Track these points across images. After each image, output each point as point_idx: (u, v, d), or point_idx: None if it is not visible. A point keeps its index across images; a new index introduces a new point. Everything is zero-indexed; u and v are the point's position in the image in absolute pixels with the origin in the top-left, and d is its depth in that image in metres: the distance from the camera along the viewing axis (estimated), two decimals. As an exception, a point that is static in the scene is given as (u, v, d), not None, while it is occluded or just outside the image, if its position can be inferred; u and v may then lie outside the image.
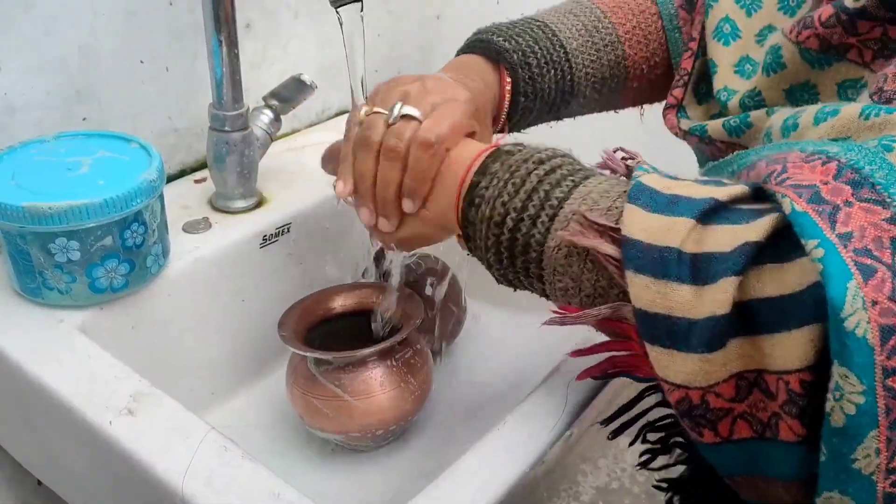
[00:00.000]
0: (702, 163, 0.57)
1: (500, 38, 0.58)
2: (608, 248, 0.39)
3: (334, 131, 0.82)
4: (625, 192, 0.40)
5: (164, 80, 0.67)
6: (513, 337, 0.75)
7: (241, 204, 0.66)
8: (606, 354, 0.43)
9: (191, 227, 0.63)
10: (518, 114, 0.59)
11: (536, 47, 0.59)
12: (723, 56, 0.54)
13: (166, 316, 0.58)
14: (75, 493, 0.55)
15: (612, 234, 0.39)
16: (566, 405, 0.47)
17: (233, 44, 0.60)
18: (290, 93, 0.69)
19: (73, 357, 0.49)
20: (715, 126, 0.51)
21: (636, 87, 0.63)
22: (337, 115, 0.86)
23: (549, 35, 0.60)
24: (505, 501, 0.42)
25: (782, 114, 0.45)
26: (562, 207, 0.41)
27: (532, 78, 0.58)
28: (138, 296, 0.56)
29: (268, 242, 0.65)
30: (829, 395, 0.31)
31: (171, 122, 0.69)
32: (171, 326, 0.59)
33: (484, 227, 0.44)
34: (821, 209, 0.32)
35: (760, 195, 0.37)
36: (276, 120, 0.69)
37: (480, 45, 0.59)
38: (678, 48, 0.61)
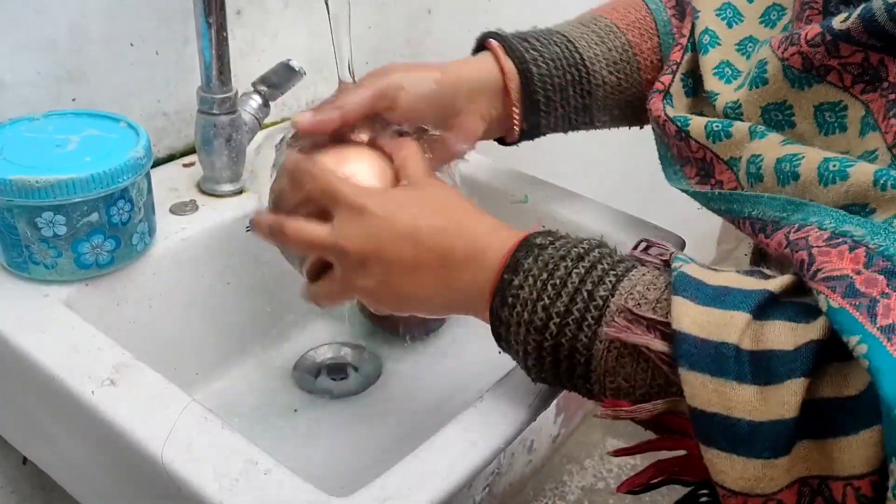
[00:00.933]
0: (662, 155, 0.57)
1: (489, 32, 0.60)
2: (659, 345, 0.37)
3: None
4: (669, 283, 0.39)
5: (154, 64, 0.67)
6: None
7: (228, 187, 0.67)
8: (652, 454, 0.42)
9: (178, 209, 0.63)
10: (538, 85, 0.57)
11: (532, 32, 0.60)
12: (705, 63, 0.54)
13: (151, 294, 0.59)
14: (59, 467, 0.56)
15: (662, 328, 0.38)
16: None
17: (222, 27, 0.61)
18: (279, 78, 0.70)
19: (57, 329, 0.50)
20: (697, 124, 0.51)
21: (650, 78, 0.61)
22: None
23: (547, 31, 0.61)
24: (482, 473, 0.43)
25: (774, 146, 0.44)
26: (608, 306, 0.39)
27: (535, 49, 0.58)
28: (123, 273, 0.56)
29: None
30: (889, 495, 0.30)
31: (160, 106, 0.69)
32: (155, 304, 0.59)
33: (522, 330, 0.42)
34: (858, 303, 0.32)
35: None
36: (265, 105, 0.70)
37: (477, 43, 0.61)
38: (669, 50, 0.62)
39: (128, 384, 0.46)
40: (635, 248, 0.45)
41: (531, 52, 0.58)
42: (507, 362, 0.47)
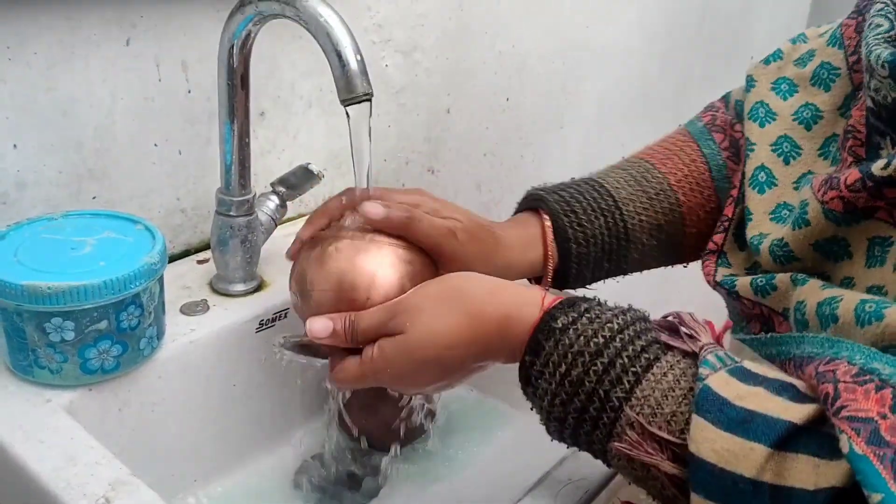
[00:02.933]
0: (732, 314, 0.57)
1: (542, 191, 0.62)
2: (668, 467, 0.37)
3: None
4: (691, 390, 0.39)
5: (176, 163, 0.68)
6: (498, 434, 0.73)
7: (240, 287, 0.66)
8: None
9: (188, 309, 0.63)
10: (574, 261, 0.60)
11: (581, 197, 0.61)
12: (757, 204, 0.54)
13: (155, 398, 0.58)
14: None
15: (674, 448, 0.37)
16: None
17: (244, 133, 0.62)
18: (298, 180, 0.71)
19: (56, 438, 0.49)
20: (743, 283, 0.51)
21: (695, 232, 0.63)
22: (342, 201, 0.87)
23: (596, 186, 0.62)
24: None
25: (814, 291, 0.45)
26: (622, 410, 0.39)
27: (580, 224, 0.60)
28: (128, 377, 0.56)
29: (264, 327, 0.65)
30: None
31: (178, 203, 0.70)
32: (158, 409, 0.58)
33: (544, 414, 0.43)
34: (882, 453, 0.31)
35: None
36: (282, 206, 0.70)
37: (527, 200, 0.62)
38: (724, 194, 0.62)
39: (122, 503, 0.44)
40: (665, 318, 0.44)
41: (575, 227, 0.60)
42: (506, 485, 0.46)
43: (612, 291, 0.57)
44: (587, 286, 0.64)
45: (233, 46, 0.58)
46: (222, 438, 0.64)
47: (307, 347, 0.54)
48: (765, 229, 0.53)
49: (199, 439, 0.62)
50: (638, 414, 0.39)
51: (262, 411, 0.67)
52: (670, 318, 0.43)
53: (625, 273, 0.64)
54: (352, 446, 0.70)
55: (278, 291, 0.67)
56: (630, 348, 0.41)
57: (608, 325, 0.42)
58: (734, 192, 0.58)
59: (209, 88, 0.68)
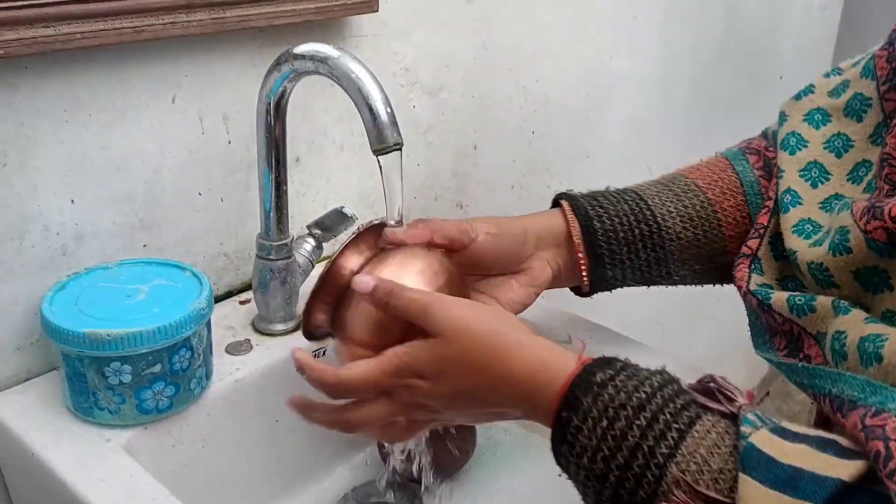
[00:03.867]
0: (754, 326, 0.56)
1: (564, 193, 0.64)
2: None
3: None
4: (735, 448, 0.38)
5: (218, 210, 0.72)
6: (539, 471, 0.75)
7: (281, 327, 0.70)
8: None
9: (233, 349, 0.67)
10: (602, 240, 0.60)
11: (599, 192, 0.63)
12: (785, 221, 0.55)
13: (205, 435, 0.61)
14: None
15: None
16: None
17: (282, 181, 0.66)
18: (332, 222, 0.75)
19: (116, 477, 0.52)
20: (779, 298, 0.50)
21: (735, 234, 0.63)
22: (375, 238, 0.90)
23: (620, 190, 0.64)
24: None
25: (857, 324, 0.43)
26: (668, 467, 0.38)
27: (602, 206, 0.61)
28: (180, 416, 0.59)
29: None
30: None
31: (221, 247, 0.74)
32: (208, 445, 0.62)
33: (582, 474, 0.42)
34: None
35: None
36: (318, 248, 0.74)
37: (552, 201, 0.64)
38: (759, 209, 0.62)
39: (180, 538, 0.48)
40: (700, 382, 0.44)
41: (597, 208, 0.61)
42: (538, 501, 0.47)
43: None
44: (632, 283, 0.64)
45: (270, 102, 0.62)
46: (268, 472, 0.68)
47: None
48: (793, 245, 0.53)
49: (247, 473, 0.66)
50: (684, 471, 0.38)
51: (305, 446, 0.70)
52: (704, 381, 0.43)
53: (670, 271, 0.63)
54: (391, 479, 0.72)
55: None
56: (671, 405, 0.41)
57: (647, 381, 0.42)
58: (769, 203, 0.58)
59: (248, 138, 0.72)
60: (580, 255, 0.61)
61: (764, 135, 0.67)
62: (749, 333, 0.58)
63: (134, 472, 0.53)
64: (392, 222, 0.56)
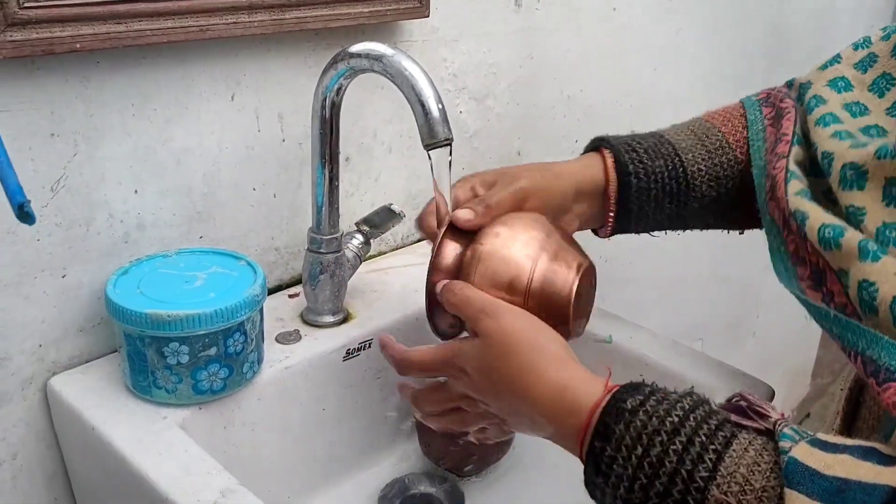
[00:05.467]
0: (775, 249, 0.54)
1: (604, 136, 0.65)
2: None
3: (417, 255, 0.88)
4: (776, 464, 0.37)
5: (271, 205, 0.75)
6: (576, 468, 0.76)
7: (329, 319, 0.72)
8: None
9: (283, 338, 0.69)
10: (634, 196, 0.61)
11: (643, 141, 0.64)
12: (810, 119, 0.55)
13: (255, 419, 0.63)
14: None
15: None
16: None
17: (335, 176, 0.68)
18: (381, 220, 0.77)
19: (171, 451, 0.54)
20: (813, 226, 0.47)
21: (751, 190, 0.62)
22: (419, 240, 0.92)
23: (656, 135, 0.65)
24: None
25: (890, 278, 0.41)
26: (709, 490, 0.38)
27: (641, 161, 0.62)
28: (232, 398, 0.61)
29: (350, 356, 0.70)
30: None
31: (273, 242, 0.76)
32: (257, 429, 0.63)
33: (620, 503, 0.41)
34: None
35: None
36: (366, 244, 0.76)
37: (589, 145, 0.66)
38: (759, 156, 0.61)
39: (232, 509, 0.49)
40: (729, 401, 0.43)
41: (636, 163, 0.62)
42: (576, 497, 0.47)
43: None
44: (649, 230, 0.65)
45: (326, 98, 0.64)
46: (314, 458, 0.69)
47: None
48: (828, 147, 0.51)
49: (293, 458, 0.67)
50: (726, 493, 0.37)
51: (349, 435, 0.71)
52: (735, 400, 0.42)
53: (685, 225, 0.65)
54: (432, 471, 0.73)
55: (364, 323, 0.72)
56: (705, 426, 0.40)
57: (678, 404, 0.41)
58: (787, 137, 0.56)
59: (300, 136, 0.75)
60: (611, 212, 0.62)
61: (788, 85, 0.66)
62: (791, 347, 0.57)
63: (189, 448, 0.55)
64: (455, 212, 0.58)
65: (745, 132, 0.64)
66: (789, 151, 0.55)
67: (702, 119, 0.67)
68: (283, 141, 0.74)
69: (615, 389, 0.44)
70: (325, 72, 0.63)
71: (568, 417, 0.45)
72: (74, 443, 0.62)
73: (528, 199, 0.59)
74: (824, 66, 0.60)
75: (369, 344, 0.72)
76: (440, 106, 0.58)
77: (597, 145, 0.65)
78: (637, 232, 0.65)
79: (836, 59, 0.59)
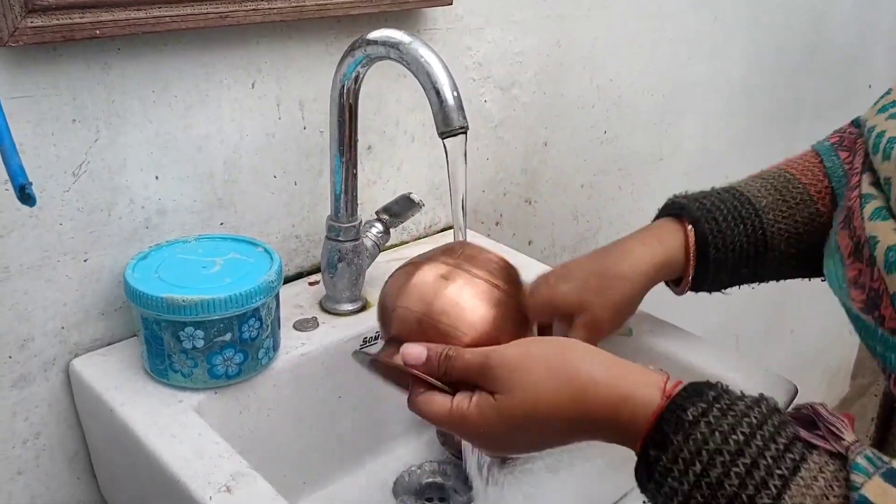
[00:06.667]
0: (834, 263, 0.52)
1: (684, 199, 0.64)
2: None
3: (439, 244, 0.87)
4: (846, 498, 0.35)
5: (292, 193, 0.75)
6: (595, 461, 0.75)
7: (347, 307, 0.72)
8: None
9: (300, 325, 0.69)
10: (711, 267, 0.62)
11: (722, 205, 0.63)
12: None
13: (270, 404, 0.64)
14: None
15: None
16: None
17: (353, 165, 0.68)
18: (401, 208, 0.76)
19: (186, 434, 0.55)
20: (882, 247, 0.45)
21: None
22: (443, 230, 0.92)
23: (736, 195, 0.64)
24: None
25: None
26: None
27: (720, 231, 0.61)
28: (248, 384, 0.62)
29: (367, 344, 0.70)
30: None
31: (293, 230, 0.77)
32: (272, 414, 0.64)
33: None
34: None
35: None
36: (386, 233, 0.76)
37: (668, 207, 0.65)
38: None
39: (242, 493, 0.50)
40: (798, 411, 0.40)
41: (716, 235, 0.61)
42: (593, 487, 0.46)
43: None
44: (723, 289, 0.65)
45: (343, 86, 0.64)
46: (328, 445, 0.69)
47: (379, 364, 0.52)
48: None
49: (308, 445, 0.68)
50: None
51: (365, 423, 0.71)
52: (804, 412, 0.40)
53: (761, 280, 0.65)
54: (448, 460, 0.73)
55: (381, 311, 0.72)
56: (773, 447, 0.37)
57: (745, 419, 0.38)
58: (857, 169, 0.55)
59: (321, 124, 0.75)
60: (687, 282, 0.63)
61: (855, 125, 0.65)
62: (831, 345, 0.57)
63: (203, 431, 0.55)
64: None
65: (826, 181, 0.63)
66: (860, 180, 0.53)
67: (781, 169, 0.66)
68: (304, 128, 0.74)
69: (675, 395, 0.41)
70: (342, 59, 0.63)
71: (629, 427, 0.41)
72: (95, 423, 0.63)
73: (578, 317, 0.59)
74: (876, 103, 0.57)
75: (377, 334, 0.71)
76: (455, 94, 0.57)
77: (676, 213, 0.64)
78: (709, 291, 0.65)
79: (888, 92, 0.57)
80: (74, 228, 0.61)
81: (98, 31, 0.55)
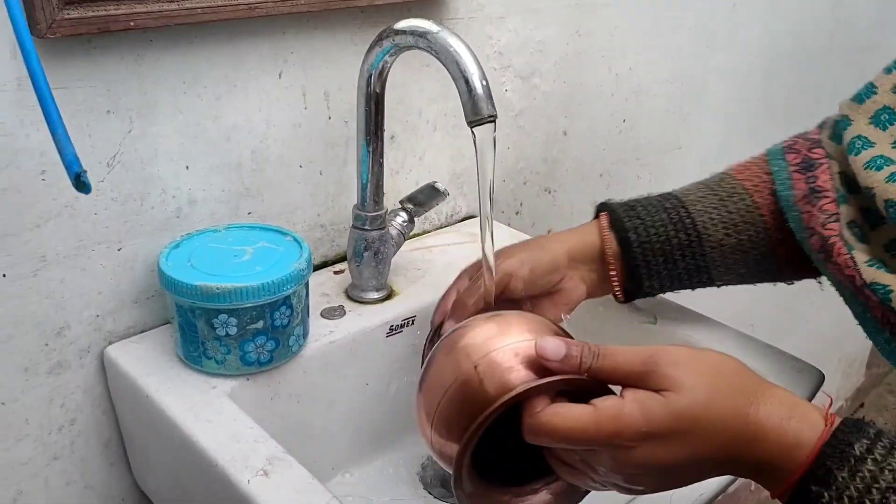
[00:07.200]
0: (858, 313, 0.53)
1: (607, 202, 0.65)
2: None
3: (461, 234, 0.88)
4: None
5: (317, 182, 0.76)
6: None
7: (373, 295, 0.73)
8: None
9: (328, 313, 0.70)
10: (638, 250, 0.62)
11: (645, 201, 0.64)
12: (856, 161, 0.52)
13: (300, 391, 0.65)
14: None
15: None
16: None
17: (379, 154, 0.69)
18: (425, 198, 0.77)
19: (221, 419, 0.56)
20: None
21: (782, 239, 0.61)
22: (464, 219, 0.93)
23: (662, 194, 0.65)
24: None
25: None
26: None
27: (639, 217, 0.62)
28: (278, 371, 0.63)
29: (394, 332, 0.71)
30: None
31: (318, 219, 0.78)
32: (303, 400, 0.65)
33: None
34: None
35: None
36: (410, 222, 0.76)
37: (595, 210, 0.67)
38: (790, 204, 0.59)
39: (279, 476, 0.51)
40: None
41: (634, 220, 0.62)
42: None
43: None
44: (671, 289, 0.64)
45: (371, 75, 0.64)
46: (356, 432, 0.70)
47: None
48: (867, 182, 0.50)
49: (337, 430, 0.69)
50: None
51: (392, 410, 0.72)
52: None
53: (712, 278, 0.63)
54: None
55: (407, 300, 0.73)
56: None
57: None
58: (830, 194, 0.55)
59: (346, 114, 0.75)
60: (612, 271, 0.63)
61: (820, 126, 0.65)
62: (846, 334, 0.57)
63: (237, 416, 0.56)
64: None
65: (766, 177, 0.63)
66: (837, 212, 0.53)
67: (719, 172, 0.67)
68: (329, 119, 0.75)
69: (838, 426, 0.39)
70: (370, 49, 0.63)
71: (792, 452, 0.39)
72: (129, 409, 0.64)
73: (512, 279, 0.60)
74: (860, 99, 0.57)
75: (412, 321, 0.72)
76: (484, 82, 0.57)
77: (597, 212, 0.66)
78: (656, 291, 0.65)
79: (871, 89, 0.57)
80: (109, 218, 0.62)
81: (132, 23, 0.56)
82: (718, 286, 0.65)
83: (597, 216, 0.66)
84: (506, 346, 0.45)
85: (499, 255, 0.60)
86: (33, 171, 0.57)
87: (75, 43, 0.56)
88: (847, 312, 0.57)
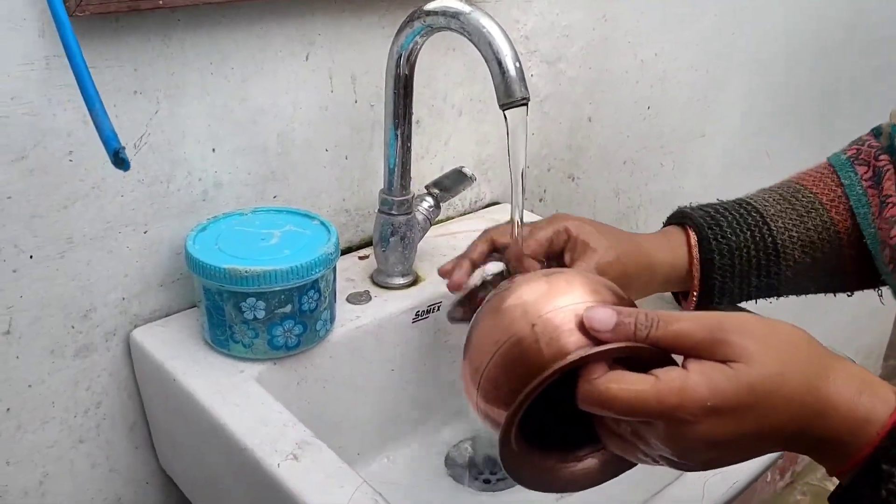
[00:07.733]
0: None
1: (688, 208, 0.64)
2: None
3: (485, 220, 0.87)
4: None
5: (343, 167, 0.75)
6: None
7: (399, 281, 0.72)
8: None
9: (354, 299, 0.69)
10: (717, 273, 0.61)
11: (727, 213, 0.62)
12: None
13: (327, 376, 0.64)
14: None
15: None
16: None
17: (407, 138, 0.68)
18: (452, 182, 0.76)
19: (249, 403, 0.55)
20: None
21: (855, 255, 0.61)
22: (488, 205, 0.92)
23: (742, 204, 0.63)
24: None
25: None
26: None
27: (724, 237, 0.61)
28: (305, 355, 0.62)
29: (420, 318, 0.70)
30: None
31: (344, 203, 0.77)
32: (328, 385, 0.64)
33: None
34: None
35: None
36: (436, 207, 0.75)
37: (673, 216, 0.65)
38: (868, 222, 0.59)
39: (308, 460, 0.50)
40: None
41: (719, 239, 0.61)
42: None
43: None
44: (736, 303, 0.64)
45: (401, 56, 0.63)
46: (382, 417, 0.70)
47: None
48: None
49: (363, 416, 0.68)
50: None
51: (418, 395, 0.72)
52: None
53: (779, 293, 0.64)
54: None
55: (433, 286, 0.72)
56: None
57: None
58: (894, 199, 0.56)
59: (372, 98, 0.74)
60: (694, 294, 0.62)
61: (875, 133, 0.64)
62: (864, 327, 0.56)
63: (265, 400, 0.56)
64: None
65: (840, 191, 0.62)
66: None
67: (790, 181, 0.66)
68: (356, 102, 0.74)
69: None
70: (400, 30, 0.62)
71: (863, 427, 0.37)
72: (155, 393, 0.64)
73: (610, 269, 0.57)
74: None
75: (438, 307, 0.72)
76: (517, 64, 0.56)
77: (679, 220, 0.64)
78: (723, 304, 0.63)
79: None
80: (135, 200, 0.62)
81: (161, 2, 0.55)
82: (778, 297, 0.65)
83: (678, 223, 0.64)
84: (567, 307, 0.41)
85: (557, 218, 0.60)
86: (60, 152, 0.57)
87: (103, 22, 0.56)
88: (863, 305, 0.56)
